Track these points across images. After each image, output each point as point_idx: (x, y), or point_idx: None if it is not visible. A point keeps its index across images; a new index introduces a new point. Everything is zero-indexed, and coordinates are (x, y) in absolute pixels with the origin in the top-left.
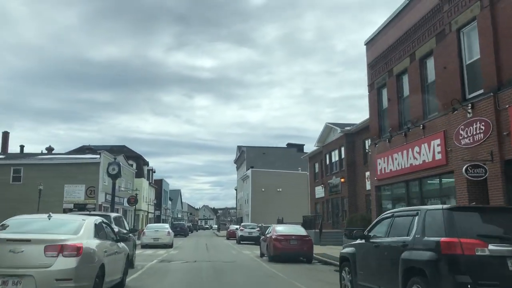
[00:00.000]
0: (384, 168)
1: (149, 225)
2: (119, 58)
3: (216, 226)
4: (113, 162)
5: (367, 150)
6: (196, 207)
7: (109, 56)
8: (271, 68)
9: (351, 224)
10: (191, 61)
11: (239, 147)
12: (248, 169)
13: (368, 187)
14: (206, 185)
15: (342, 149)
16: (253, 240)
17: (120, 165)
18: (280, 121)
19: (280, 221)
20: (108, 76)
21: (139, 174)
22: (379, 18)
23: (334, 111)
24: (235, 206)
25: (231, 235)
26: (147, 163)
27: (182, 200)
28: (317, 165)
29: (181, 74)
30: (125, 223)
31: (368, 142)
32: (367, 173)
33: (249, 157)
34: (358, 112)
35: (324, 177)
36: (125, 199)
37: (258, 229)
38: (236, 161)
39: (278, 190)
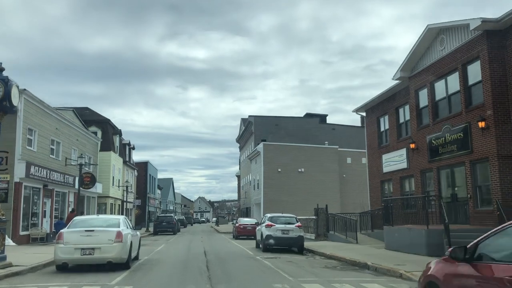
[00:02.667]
0: None
1: (77, 218)
2: (111, 50)
3: (215, 219)
4: None
5: None
6: (191, 199)
7: (101, 48)
8: (266, 58)
9: None
10: (184, 52)
11: (243, 120)
12: (258, 143)
13: None
14: (202, 178)
15: (475, 65)
16: (291, 245)
17: (9, 82)
18: (275, 114)
19: (324, 212)
20: (100, 68)
21: (106, 146)
22: (374, 7)
23: (330, 103)
24: (236, 197)
25: (241, 233)
26: (118, 132)
27: (175, 191)
28: (385, 120)
29: (174, 65)
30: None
31: None
32: None
33: (258, 130)
34: (354, 104)
35: (413, 133)
36: (77, 178)
37: (299, 224)
38: (239, 139)
39: (299, 170)
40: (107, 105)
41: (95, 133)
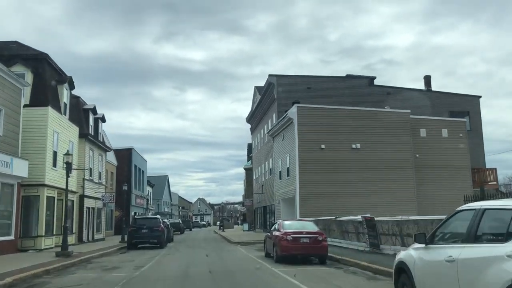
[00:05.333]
0: None
1: None
2: (106, 51)
3: (219, 223)
4: None
5: None
6: (190, 201)
7: (96, 50)
8: (264, 58)
9: None
10: (181, 53)
11: (258, 89)
12: (284, 113)
13: None
14: (201, 181)
15: None
16: None
17: None
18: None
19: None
20: (95, 71)
21: (40, 99)
22: (373, 5)
23: None
24: (236, 200)
25: (291, 250)
26: (67, 81)
27: (171, 190)
28: None
29: (171, 66)
30: None
31: None
32: None
33: (284, 94)
34: None
35: None
36: None
37: None
38: (251, 117)
39: (353, 147)
40: (103, 108)
41: (22, 75)
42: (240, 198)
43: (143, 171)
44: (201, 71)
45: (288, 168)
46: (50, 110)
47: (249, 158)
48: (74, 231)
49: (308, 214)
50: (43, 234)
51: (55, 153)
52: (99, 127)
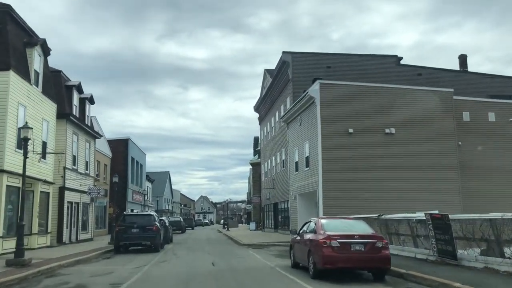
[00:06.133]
0: None
1: None
2: (109, 49)
3: (223, 221)
4: None
5: None
6: (192, 199)
7: (99, 48)
8: (267, 57)
9: None
10: (183, 51)
11: (269, 72)
12: (300, 95)
13: None
14: (203, 180)
15: None
16: None
17: None
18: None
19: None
20: (97, 68)
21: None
22: (375, 4)
23: None
24: (239, 198)
25: (337, 262)
26: (39, 44)
27: (173, 187)
28: None
29: (174, 64)
30: None
31: None
32: None
33: (299, 74)
34: None
35: None
36: None
37: None
38: (259, 105)
39: (386, 131)
40: (106, 106)
41: None
42: (243, 197)
43: (141, 165)
44: (204, 70)
45: (307, 158)
46: (12, 76)
47: (256, 152)
48: (49, 231)
49: (334, 212)
50: (0, 234)
51: (18, 132)
52: (86, 109)
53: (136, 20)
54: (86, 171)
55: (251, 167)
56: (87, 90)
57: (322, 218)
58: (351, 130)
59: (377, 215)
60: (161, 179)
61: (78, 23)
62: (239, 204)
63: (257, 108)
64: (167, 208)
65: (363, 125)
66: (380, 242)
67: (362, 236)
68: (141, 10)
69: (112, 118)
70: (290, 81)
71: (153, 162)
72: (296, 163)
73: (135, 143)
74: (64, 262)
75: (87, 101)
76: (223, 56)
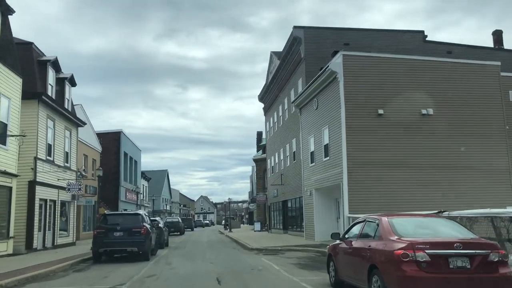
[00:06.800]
0: None
1: None
2: (107, 49)
3: (224, 222)
4: None
5: None
6: (192, 199)
7: (97, 48)
8: (267, 56)
9: None
10: (183, 50)
11: (276, 54)
12: (313, 75)
13: None
14: (203, 180)
15: None
16: None
17: None
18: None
19: None
20: (96, 69)
21: None
22: (376, 2)
23: None
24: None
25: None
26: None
27: (173, 187)
28: None
29: (173, 64)
30: None
31: None
32: None
33: (313, 52)
34: None
35: None
36: None
37: None
38: (265, 92)
39: (423, 112)
40: (105, 107)
41: None
42: (243, 197)
43: (136, 161)
44: (203, 69)
45: (326, 146)
46: None
47: (259, 148)
48: (11, 235)
49: (362, 209)
50: None
51: None
52: (66, 91)
53: (135, 20)
54: (66, 164)
55: (254, 164)
56: (86, 91)
57: (387, 216)
58: (381, 111)
59: (436, 211)
60: (158, 177)
61: (75, 23)
62: (239, 204)
63: (262, 98)
64: (165, 208)
65: (395, 105)
66: (495, 253)
67: (464, 244)
68: (139, 9)
69: (112, 119)
70: (303, 60)
71: (152, 162)
72: (312, 153)
73: (128, 138)
74: (9, 280)
75: (66, 82)
76: (223, 55)
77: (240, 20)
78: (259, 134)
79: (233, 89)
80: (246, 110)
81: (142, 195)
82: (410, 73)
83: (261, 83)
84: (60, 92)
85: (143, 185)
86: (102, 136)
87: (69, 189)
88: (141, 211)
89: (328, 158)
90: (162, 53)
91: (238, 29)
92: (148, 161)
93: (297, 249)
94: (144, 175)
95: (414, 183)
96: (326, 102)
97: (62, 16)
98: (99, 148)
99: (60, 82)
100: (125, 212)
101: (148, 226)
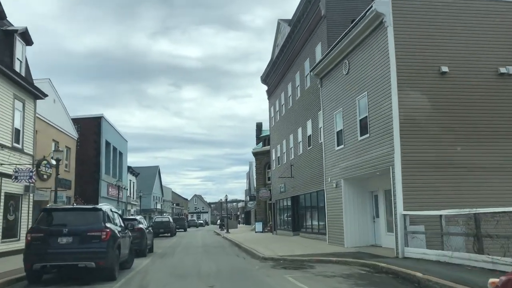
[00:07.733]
0: None
1: None
2: (101, 47)
3: (219, 221)
4: None
5: None
6: (185, 197)
7: (90, 46)
8: (261, 55)
9: None
10: (176, 49)
11: (283, 21)
12: (335, 40)
13: None
14: (197, 180)
15: None
16: None
17: None
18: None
19: None
20: (90, 68)
21: None
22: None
23: None
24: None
25: None
26: None
27: (163, 184)
28: None
29: (167, 63)
30: None
31: None
32: None
33: (337, 7)
34: None
35: None
36: None
37: None
38: (270, 71)
39: (501, 71)
40: (99, 106)
41: None
42: (237, 196)
43: (121, 153)
44: (197, 68)
45: (365, 119)
46: None
47: (259, 140)
48: None
49: (417, 203)
50: None
51: None
52: (15, 49)
53: (128, 18)
54: (16, 145)
55: (253, 159)
56: (80, 89)
57: None
58: (445, 69)
59: None
60: (148, 174)
61: (68, 21)
62: (234, 204)
63: (265, 78)
64: (156, 207)
65: (464, 60)
66: None
67: None
68: (133, 7)
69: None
70: (323, 18)
71: (146, 162)
72: (340, 132)
73: (112, 125)
74: None
75: (17, 37)
76: (217, 54)
77: (234, 18)
78: (259, 126)
79: (227, 88)
80: (240, 110)
81: (128, 191)
82: (482, 19)
83: (257, 81)
84: (8, 49)
85: (130, 180)
86: (80, 122)
87: (16, 177)
88: (104, 206)
89: (367, 135)
90: (156, 51)
91: (232, 27)
92: (142, 161)
93: (329, 259)
94: (132, 169)
95: (497, 165)
96: (363, 61)
97: (56, 14)
98: (74, 135)
99: (7, 35)
100: (78, 207)
101: (117, 228)
